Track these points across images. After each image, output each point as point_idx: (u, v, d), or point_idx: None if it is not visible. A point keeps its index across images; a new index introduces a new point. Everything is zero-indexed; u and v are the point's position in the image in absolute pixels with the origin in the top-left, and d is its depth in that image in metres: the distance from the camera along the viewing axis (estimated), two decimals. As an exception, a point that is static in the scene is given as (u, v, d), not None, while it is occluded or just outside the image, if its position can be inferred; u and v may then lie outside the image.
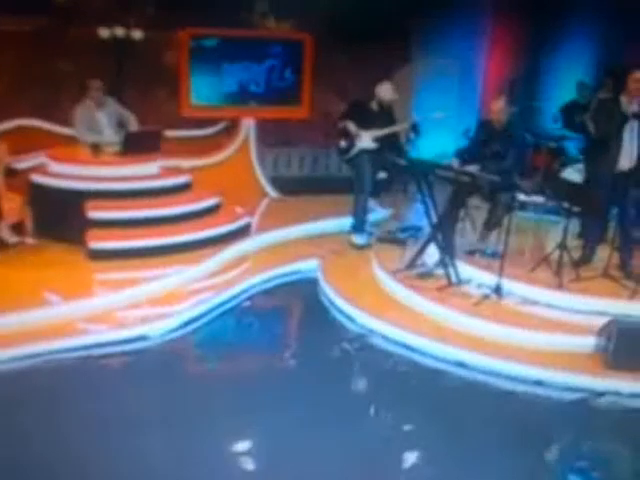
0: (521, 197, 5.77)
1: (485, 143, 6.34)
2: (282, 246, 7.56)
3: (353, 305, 6.12)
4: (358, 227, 7.38)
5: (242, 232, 7.52)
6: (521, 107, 8.71)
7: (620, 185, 6.06)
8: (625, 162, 6.02)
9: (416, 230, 7.27)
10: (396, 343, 5.64)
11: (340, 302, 6.26)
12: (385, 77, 9.51)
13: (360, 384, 5.27)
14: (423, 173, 6.08)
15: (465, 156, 6.39)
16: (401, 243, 7.08)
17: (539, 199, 5.74)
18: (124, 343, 5.39)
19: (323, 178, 10.31)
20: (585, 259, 6.43)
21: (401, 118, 9.39)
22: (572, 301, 5.91)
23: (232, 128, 8.83)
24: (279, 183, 9.47)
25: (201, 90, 8.48)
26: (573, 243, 6.50)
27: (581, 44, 9.81)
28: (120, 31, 9.08)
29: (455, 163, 6.28)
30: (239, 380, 5.02)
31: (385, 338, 5.73)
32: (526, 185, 5.74)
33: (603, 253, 6.44)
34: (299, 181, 10.13)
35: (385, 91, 7.23)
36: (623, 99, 6.03)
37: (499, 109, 6.32)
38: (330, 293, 6.46)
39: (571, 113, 8.84)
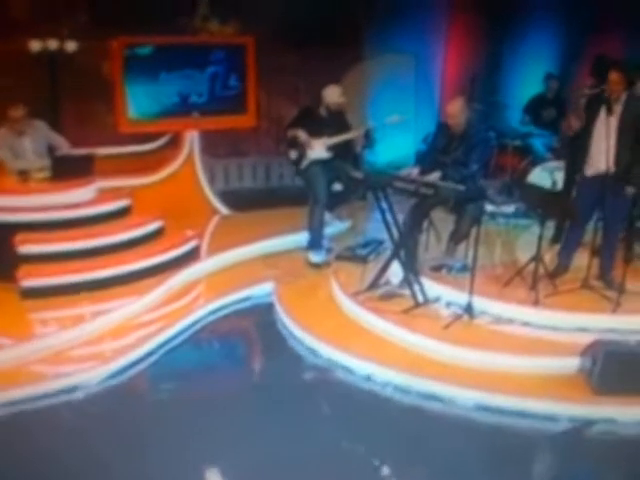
0: (489, 207, 5.21)
1: (445, 149, 5.79)
2: (234, 269, 6.97)
3: (312, 334, 5.57)
4: (314, 244, 6.81)
5: (189, 257, 6.92)
6: (484, 104, 8.21)
7: (599, 188, 5.54)
8: (601, 164, 5.51)
9: (378, 244, 6.72)
10: (359, 375, 5.12)
11: (298, 331, 5.69)
12: (338, 76, 9.15)
13: (321, 423, 4.69)
14: (380, 186, 5.52)
15: (424, 164, 5.83)
16: (362, 260, 6.53)
17: (509, 209, 5.20)
18: (58, 394, 4.81)
19: (278, 189, 9.76)
20: (561, 269, 5.94)
21: (356, 121, 8.93)
22: (550, 318, 5.42)
23: (175, 142, 8.17)
24: (231, 197, 8.87)
25: (139, 103, 7.83)
26: (547, 252, 6.02)
27: (544, 35, 9.34)
28: (53, 43, 8.45)
29: (414, 172, 5.72)
30: (190, 422, 4.53)
31: (347, 370, 5.18)
32: (494, 195, 5.17)
33: (581, 260, 5.92)
34: (253, 193, 9.57)
35: (331, 95, 6.66)
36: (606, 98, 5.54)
37: (456, 111, 5.75)
38: (287, 321, 5.89)
39: (538, 108, 8.35)
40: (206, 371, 5.40)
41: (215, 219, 8.24)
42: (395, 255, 5.70)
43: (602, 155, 5.46)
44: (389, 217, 5.69)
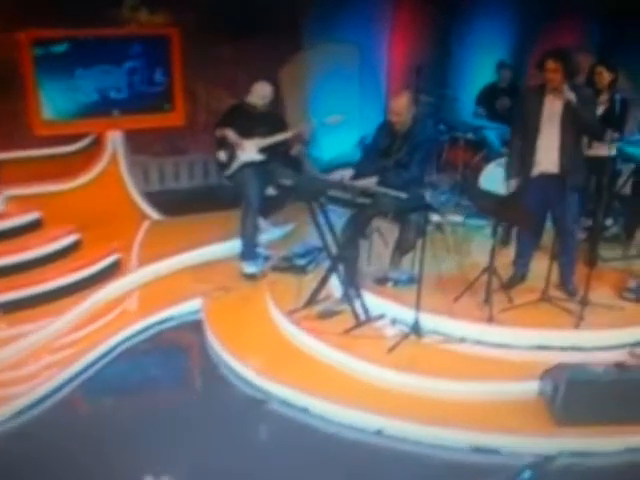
0: (435, 217, 4.63)
1: (387, 150, 5.17)
2: (161, 283, 6.31)
3: (242, 360, 4.96)
4: (248, 253, 6.17)
5: (111, 271, 6.23)
6: (433, 96, 7.63)
7: (548, 188, 5.02)
8: (548, 163, 4.98)
9: (318, 253, 6.09)
10: (295, 408, 4.56)
11: (226, 357, 5.07)
12: (278, 67, 8.50)
13: (254, 461, 4.09)
14: (312, 196, 4.90)
15: (360, 168, 5.19)
16: (300, 271, 5.93)
17: (457, 218, 4.63)
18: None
19: (217, 187, 9.01)
20: (518, 279, 5.42)
21: (297, 116, 8.32)
22: (506, 335, 4.90)
23: (99, 142, 7.41)
24: (168, 198, 8.16)
25: (54, 102, 7.06)
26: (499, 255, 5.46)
27: (497, 22, 8.76)
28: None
29: (346, 176, 5.08)
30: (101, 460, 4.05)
31: (282, 402, 4.59)
32: (440, 201, 4.59)
33: (540, 265, 5.38)
34: (190, 193, 8.84)
35: (258, 92, 6.00)
36: (547, 90, 5.00)
37: (401, 108, 5.12)
38: (216, 345, 5.26)
39: (491, 99, 7.78)
40: (124, 404, 4.75)
41: (145, 226, 7.52)
42: (332, 270, 5.09)
43: (549, 153, 4.94)
44: (325, 228, 5.07)
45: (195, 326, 5.63)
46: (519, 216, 4.81)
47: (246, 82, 8.49)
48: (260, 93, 6.03)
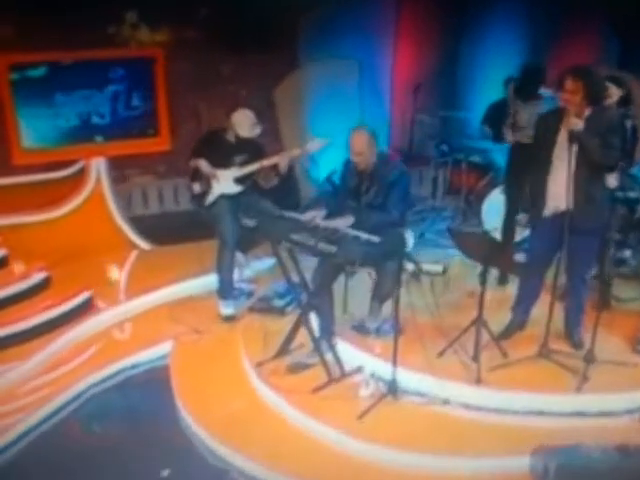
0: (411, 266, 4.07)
1: (355, 191, 4.64)
2: (138, 322, 5.91)
3: (204, 422, 4.46)
4: (224, 292, 5.68)
5: (81, 312, 5.82)
6: (435, 116, 7.06)
7: (559, 229, 4.37)
8: (562, 201, 4.35)
9: (299, 293, 5.55)
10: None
11: (188, 417, 4.58)
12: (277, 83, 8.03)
13: None
14: (275, 239, 4.40)
15: (331, 208, 4.66)
16: (279, 313, 5.43)
17: (436, 268, 4.06)
18: None
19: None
20: (516, 326, 4.81)
21: (293, 137, 7.81)
22: (497, 398, 4.30)
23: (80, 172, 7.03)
24: (165, 221, 7.73)
25: (34, 129, 6.73)
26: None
27: (507, 35, 8.12)
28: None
29: (318, 216, 4.55)
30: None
31: (244, 475, 4.08)
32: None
33: (544, 307, 4.67)
34: (186, 216, 8.39)
35: (240, 122, 5.52)
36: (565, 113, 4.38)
37: (361, 147, 4.53)
38: (180, 400, 4.78)
39: (498, 117, 7.13)
40: (80, 466, 4.27)
41: (131, 257, 7.12)
42: (302, 320, 4.57)
43: (563, 189, 4.29)
44: (295, 274, 4.57)
45: (159, 377, 5.16)
46: (506, 264, 4.22)
47: (249, 100, 8.19)
48: (242, 122, 5.55)
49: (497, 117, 7.05)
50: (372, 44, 7.96)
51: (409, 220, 7.19)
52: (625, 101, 5.11)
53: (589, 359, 4.34)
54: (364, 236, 4.17)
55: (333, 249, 4.04)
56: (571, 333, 4.72)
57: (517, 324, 4.84)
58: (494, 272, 5.25)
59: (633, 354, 4.64)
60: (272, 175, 5.39)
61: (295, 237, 4.26)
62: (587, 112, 4.27)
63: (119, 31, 7.54)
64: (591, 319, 4.49)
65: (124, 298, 6.17)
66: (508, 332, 4.80)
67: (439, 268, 4.05)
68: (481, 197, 6.43)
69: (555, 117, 4.43)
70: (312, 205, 5.15)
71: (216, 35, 7.79)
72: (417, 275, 4.02)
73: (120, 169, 7.61)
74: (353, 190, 4.61)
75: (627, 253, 5.83)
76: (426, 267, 4.03)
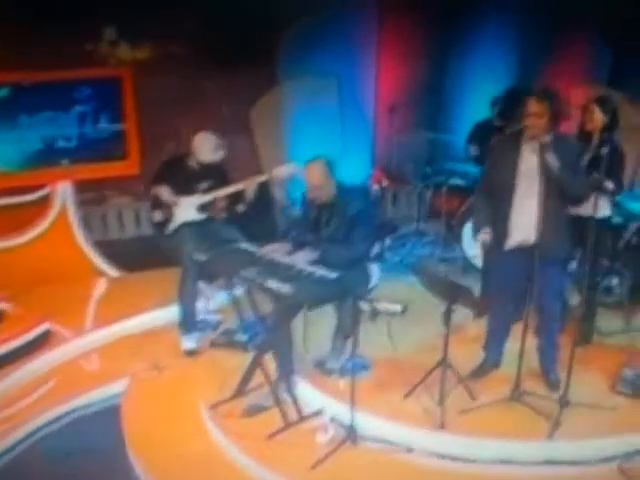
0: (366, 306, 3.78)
1: (315, 224, 4.37)
2: (96, 357, 5.65)
3: (153, 469, 4.18)
4: (186, 325, 5.40)
5: (38, 345, 5.56)
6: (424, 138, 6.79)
7: (526, 262, 4.11)
8: (527, 232, 4.08)
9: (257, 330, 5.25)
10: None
11: (139, 462, 4.30)
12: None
13: None
14: (226, 275, 4.13)
15: (291, 240, 4.39)
16: (242, 348, 5.14)
17: (394, 307, 3.77)
18: None
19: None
20: (489, 366, 4.52)
21: (271, 159, 7.54)
22: (463, 445, 4.01)
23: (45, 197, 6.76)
24: (136, 247, 7.45)
25: (-4, 153, 6.47)
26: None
27: (494, 52, 7.84)
28: None
29: (281, 250, 4.28)
30: None
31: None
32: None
33: (515, 342, 4.39)
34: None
35: (200, 147, 5.28)
36: (522, 140, 4.13)
37: (317, 180, 4.29)
38: (131, 443, 4.49)
39: (484, 137, 6.84)
40: None
41: (99, 285, 6.85)
42: (258, 360, 4.29)
43: (526, 220, 4.04)
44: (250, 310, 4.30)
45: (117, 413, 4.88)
46: (470, 304, 3.94)
47: (233, 118, 7.94)
48: (202, 146, 5.31)
49: (483, 137, 6.79)
50: (353, 59, 7.67)
51: (390, 245, 7.16)
52: (609, 127, 4.82)
53: (563, 403, 4.05)
54: (319, 272, 3.89)
55: (284, 287, 3.75)
56: (547, 372, 4.44)
57: (491, 362, 4.56)
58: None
59: (612, 395, 4.34)
60: (238, 202, 5.13)
61: (245, 273, 3.97)
62: (547, 138, 4.00)
63: (96, 48, 7.34)
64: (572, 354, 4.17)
65: (86, 330, 5.91)
66: (481, 371, 4.52)
67: (397, 308, 3.74)
68: (462, 222, 6.15)
69: (510, 143, 4.16)
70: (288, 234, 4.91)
71: (197, 52, 7.59)
72: (374, 316, 3.72)
73: (98, 190, 7.42)
74: (313, 223, 4.33)
75: (614, 281, 5.57)
76: (383, 307, 3.73)
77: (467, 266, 6.24)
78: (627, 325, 5.24)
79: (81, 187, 6.98)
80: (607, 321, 5.21)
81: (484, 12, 7.73)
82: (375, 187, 7.50)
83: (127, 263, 7.10)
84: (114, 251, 7.24)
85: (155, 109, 7.18)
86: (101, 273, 6.99)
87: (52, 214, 6.75)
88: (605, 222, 4.79)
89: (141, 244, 7.53)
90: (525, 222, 4.07)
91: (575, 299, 4.97)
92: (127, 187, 7.71)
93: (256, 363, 4.38)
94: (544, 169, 3.91)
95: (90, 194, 7.40)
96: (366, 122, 7.98)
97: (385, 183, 7.44)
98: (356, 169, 7.78)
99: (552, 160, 3.91)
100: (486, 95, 6.96)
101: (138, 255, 7.11)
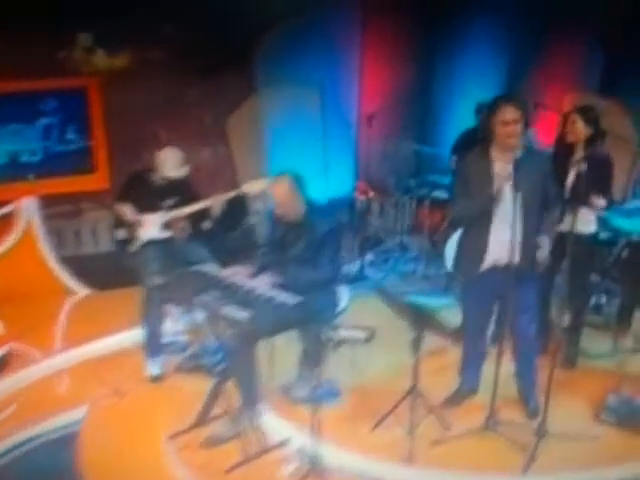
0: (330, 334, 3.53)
1: (280, 244, 4.12)
2: (58, 381, 5.34)
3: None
4: (151, 349, 5.14)
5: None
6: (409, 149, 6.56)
7: (499, 284, 3.87)
8: (501, 252, 3.83)
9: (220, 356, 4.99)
10: None
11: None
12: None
13: None
14: (182, 299, 3.87)
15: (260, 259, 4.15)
16: (209, 373, 4.87)
17: (357, 335, 3.53)
18: None
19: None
20: (465, 393, 4.27)
21: (249, 172, 7.28)
22: (433, 479, 3.72)
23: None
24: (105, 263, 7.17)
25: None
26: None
27: (481, 58, 7.63)
28: None
29: (244, 272, 4.02)
30: None
31: None
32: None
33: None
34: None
35: (164, 162, 5.04)
36: (494, 154, 3.89)
37: (282, 197, 4.04)
38: (87, 475, 4.21)
39: (468, 148, 6.62)
40: None
41: (66, 303, 6.59)
42: (219, 388, 4.03)
43: (502, 237, 3.80)
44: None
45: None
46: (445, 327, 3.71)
47: (215, 126, 7.70)
48: (166, 161, 5.07)
49: (469, 147, 6.54)
50: (336, 64, 7.42)
51: (373, 261, 6.91)
52: (593, 139, 4.58)
53: (540, 433, 3.79)
54: (280, 297, 3.63)
55: (241, 314, 3.50)
56: (525, 398, 4.19)
57: (467, 388, 4.32)
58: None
59: (595, 424, 4.08)
60: (204, 219, 4.90)
61: (201, 298, 3.71)
62: (517, 154, 3.76)
63: (70, 55, 7.10)
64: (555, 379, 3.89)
65: (51, 351, 5.64)
66: (457, 398, 4.28)
67: (361, 335, 3.49)
68: (445, 238, 5.90)
69: (480, 155, 3.96)
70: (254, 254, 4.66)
71: (176, 58, 7.35)
72: (338, 344, 3.47)
73: (75, 203, 7.17)
74: (279, 242, 4.08)
75: (603, 299, 5.36)
76: (346, 334, 3.48)
77: (450, 284, 5.99)
78: (615, 347, 4.98)
79: (56, 199, 6.76)
80: (594, 342, 4.96)
81: (472, 14, 7.53)
82: (361, 198, 7.30)
83: (100, 279, 6.83)
84: (87, 266, 6.98)
85: (133, 116, 6.97)
86: (69, 291, 6.72)
87: (17, 231, 6.48)
88: (592, 238, 4.57)
89: (116, 260, 7.30)
90: (501, 241, 3.83)
91: (560, 319, 4.72)
92: (104, 200, 7.48)
93: (217, 391, 4.11)
94: (518, 185, 3.67)
95: (66, 206, 7.17)
96: (349, 130, 7.74)
97: (371, 194, 7.24)
98: (339, 179, 7.58)
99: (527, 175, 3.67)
100: (475, 100, 6.74)
101: (113, 271, 6.81)
